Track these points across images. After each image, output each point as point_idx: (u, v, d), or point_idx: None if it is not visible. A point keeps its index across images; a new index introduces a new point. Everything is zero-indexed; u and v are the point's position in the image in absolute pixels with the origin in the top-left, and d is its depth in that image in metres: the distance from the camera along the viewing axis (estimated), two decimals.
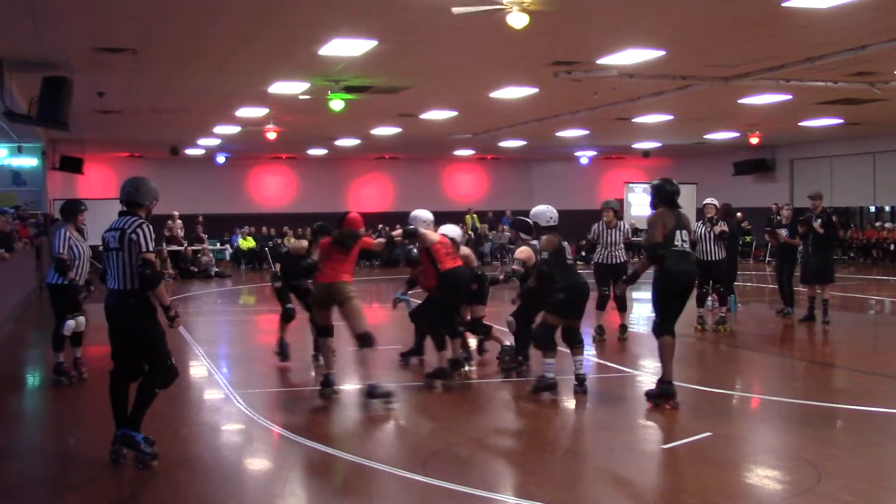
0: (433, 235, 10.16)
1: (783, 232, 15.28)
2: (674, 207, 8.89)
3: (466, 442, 7.89)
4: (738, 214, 21.07)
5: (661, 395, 8.79)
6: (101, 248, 7.11)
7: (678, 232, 8.72)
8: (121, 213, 7.15)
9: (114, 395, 7.06)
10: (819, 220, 14.47)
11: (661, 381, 8.89)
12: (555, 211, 9.75)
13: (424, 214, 10.32)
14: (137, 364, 6.99)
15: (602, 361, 11.44)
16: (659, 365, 8.98)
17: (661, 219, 8.82)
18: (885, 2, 10.86)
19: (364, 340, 9.20)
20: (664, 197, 8.94)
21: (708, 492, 6.36)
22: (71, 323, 10.06)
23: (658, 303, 8.92)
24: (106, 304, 7.01)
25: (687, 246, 8.84)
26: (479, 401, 9.61)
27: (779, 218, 16.41)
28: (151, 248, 6.90)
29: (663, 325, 8.84)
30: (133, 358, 7.01)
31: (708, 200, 14.30)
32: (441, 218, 11.98)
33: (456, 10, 10.32)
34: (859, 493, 6.24)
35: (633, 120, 23.18)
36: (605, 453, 7.63)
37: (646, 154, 33.85)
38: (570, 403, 9.25)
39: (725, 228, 13.73)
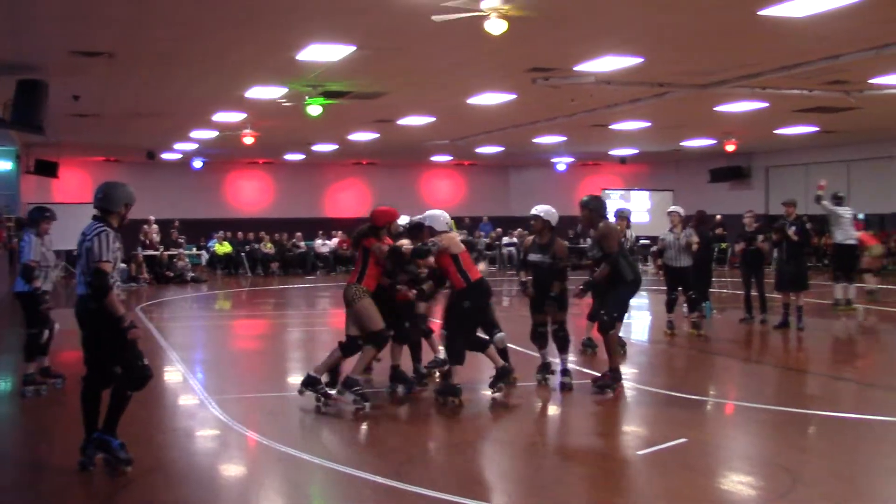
0: (458, 243, 9.53)
1: (759, 238, 15.33)
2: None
3: (442, 448, 7.87)
4: (718, 217, 21.12)
5: (614, 382, 9.71)
6: (75, 253, 7.08)
7: (622, 239, 9.87)
8: (93, 218, 7.08)
9: (85, 400, 6.98)
10: (793, 228, 14.54)
11: (612, 370, 9.73)
12: (447, 215, 9.79)
13: (444, 215, 9.73)
14: (109, 369, 6.91)
15: (580, 368, 11.44)
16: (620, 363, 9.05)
17: (615, 230, 9.97)
18: (859, 12, 10.94)
19: (372, 339, 9.13)
20: (604, 210, 9.85)
21: (683, 498, 6.38)
22: (41, 335, 9.93)
23: (618, 303, 9.78)
24: (74, 309, 6.96)
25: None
26: (455, 407, 9.58)
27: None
28: (107, 258, 6.76)
29: (614, 322, 9.72)
30: (104, 363, 6.92)
31: (672, 209, 14.33)
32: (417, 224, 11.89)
33: (436, 17, 10.33)
34: (834, 499, 6.27)
35: (610, 127, 23.25)
36: (580, 459, 7.63)
37: (623, 161, 33.97)
38: (546, 410, 9.26)
39: (695, 239, 13.71)
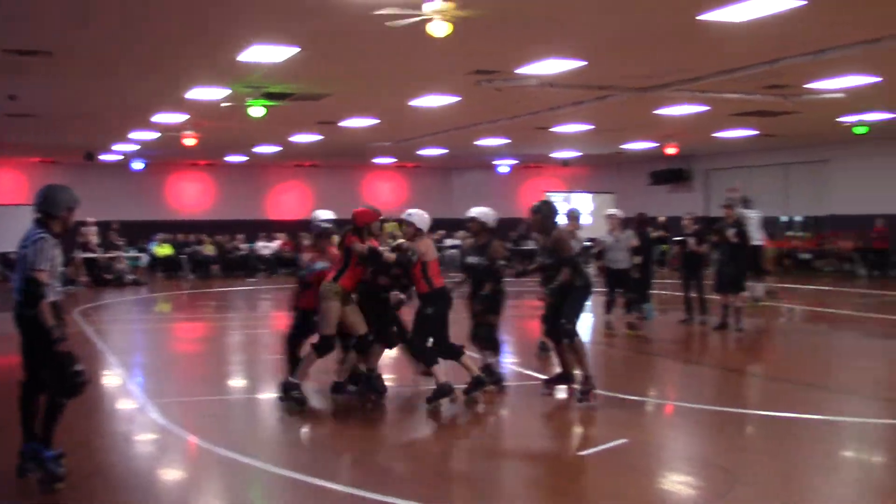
0: (433, 250, 9.53)
1: (691, 241, 15.49)
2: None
3: (385, 450, 7.86)
4: (662, 220, 21.32)
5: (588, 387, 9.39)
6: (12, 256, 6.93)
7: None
8: (35, 222, 6.84)
9: (23, 405, 6.84)
10: (732, 230, 14.71)
11: (586, 378, 9.39)
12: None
13: (425, 216, 9.63)
14: (44, 375, 6.73)
15: (521, 370, 11.48)
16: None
17: (567, 234, 10.03)
18: (796, 17, 11.10)
19: (319, 345, 9.21)
20: (556, 216, 9.80)
21: (625, 498, 6.42)
22: None
23: (575, 309, 9.44)
24: (12, 313, 6.80)
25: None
26: (398, 409, 9.57)
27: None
28: (42, 266, 6.52)
29: (574, 329, 9.43)
30: (38, 368, 6.75)
31: (610, 212, 14.49)
32: None
33: (386, 18, 10.29)
34: (772, 498, 6.35)
35: (553, 129, 23.38)
36: (523, 460, 7.66)
37: (565, 163, 34.18)
38: (488, 411, 9.28)
39: (636, 242, 13.94)
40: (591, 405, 9.21)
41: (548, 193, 33.38)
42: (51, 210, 6.84)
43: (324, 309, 9.09)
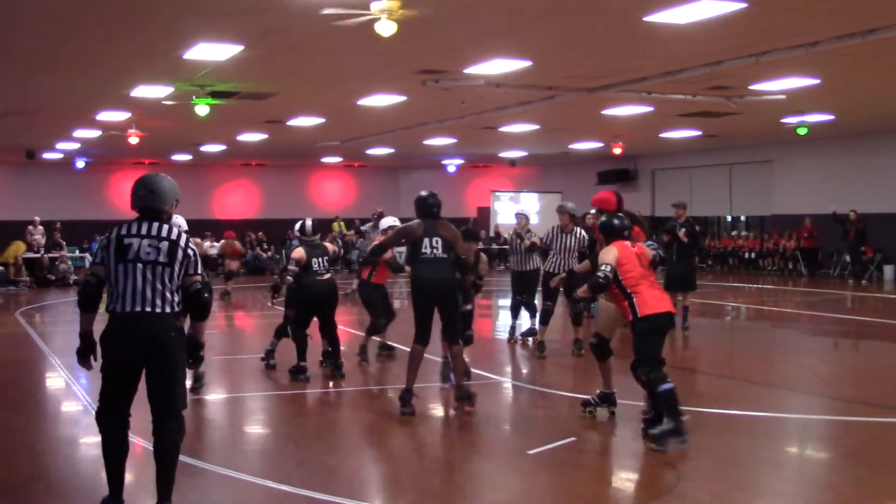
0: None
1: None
2: (427, 218, 8.97)
3: (333, 450, 7.83)
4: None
5: (466, 398, 8.88)
6: None
7: (426, 240, 8.81)
8: None
9: None
10: (683, 230, 14.84)
11: (405, 390, 8.84)
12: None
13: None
14: None
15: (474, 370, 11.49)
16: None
17: (399, 229, 9.51)
18: (739, 20, 11.26)
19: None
20: (421, 210, 9.09)
21: (571, 496, 6.46)
22: None
23: (413, 310, 9.02)
24: None
25: (438, 253, 8.80)
26: (347, 409, 9.55)
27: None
28: None
29: (416, 334, 8.86)
30: None
31: (519, 211, 14.10)
32: None
33: (328, 11, 10.25)
34: (716, 493, 6.42)
35: (500, 129, 23.46)
36: (470, 459, 7.66)
37: (512, 163, 34.33)
38: (435, 411, 9.29)
39: (535, 241, 13.39)
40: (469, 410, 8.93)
41: (496, 193, 33.62)
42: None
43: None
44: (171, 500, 5.69)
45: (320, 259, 10.67)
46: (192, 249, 5.83)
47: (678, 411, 7.29)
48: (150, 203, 5.86)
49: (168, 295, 5.67)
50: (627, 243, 7.70)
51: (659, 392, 7.37)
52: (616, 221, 7.88)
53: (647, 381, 7.56)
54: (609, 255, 7.55)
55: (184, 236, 5.84)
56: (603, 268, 7.47)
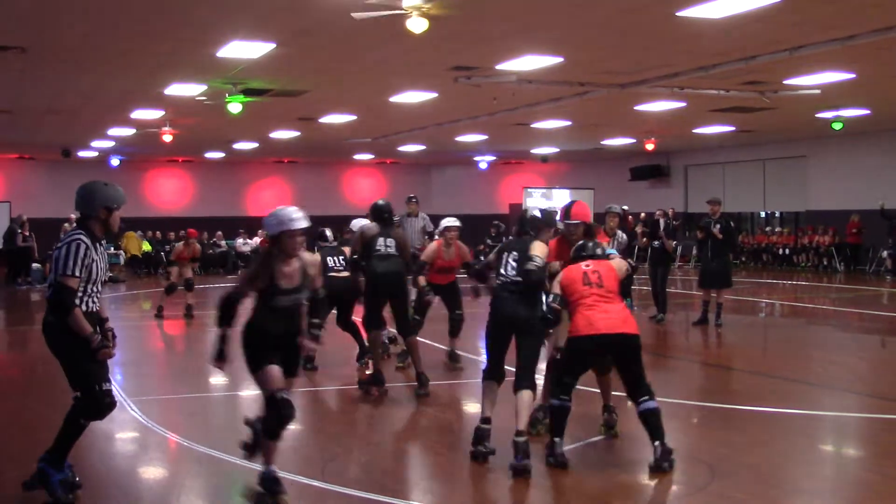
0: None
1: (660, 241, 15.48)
2: (380, 223, 10.06)
3: (365, 446, 7.85)
4: (629, 217, 21.32)
5: (372, 383, 9.79)
6: None
7: (380, 239, 9.86)
8: (76, 223, 6.37)
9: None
10: (718, 226, 14.75)
11: (376, 370, 9.92)
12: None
13: None
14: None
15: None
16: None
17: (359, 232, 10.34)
18: (773, 14, 11.17)
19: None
20: (374, 215, 10.22)
21: (605, 492, 6.45)
22: None
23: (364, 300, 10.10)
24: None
25: (391, 250, 9.82)
26: (377, 405, 9.56)
27: (674, 222, 16.72)
28: (72, 272, 5.92)
29: (369, 321, 9.90)
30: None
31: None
32: (339, 222, 11.84)
33: (356, 14, 10.30)
34: (750, 491, 6.38)
35: (532, 125, 23.41)
36: (505, 456, 7.65)
37: (544, 159, 34.22)
38: (469, 408, 9.28)
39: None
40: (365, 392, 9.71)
41: (528, 189, 33.55)
42: (85, 210, 6.25)
43: None
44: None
45: (336, 258, 11.30)
46: (59, 251, 6.04)
47: (559, 430, 7.14)
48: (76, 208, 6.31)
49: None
50: (582, 263, 7.47)
51: (551, 404, 7.29)
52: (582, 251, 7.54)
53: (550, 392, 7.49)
54: (556, 284, 7.43)
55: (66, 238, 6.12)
56: (550, 298, 7.32)
